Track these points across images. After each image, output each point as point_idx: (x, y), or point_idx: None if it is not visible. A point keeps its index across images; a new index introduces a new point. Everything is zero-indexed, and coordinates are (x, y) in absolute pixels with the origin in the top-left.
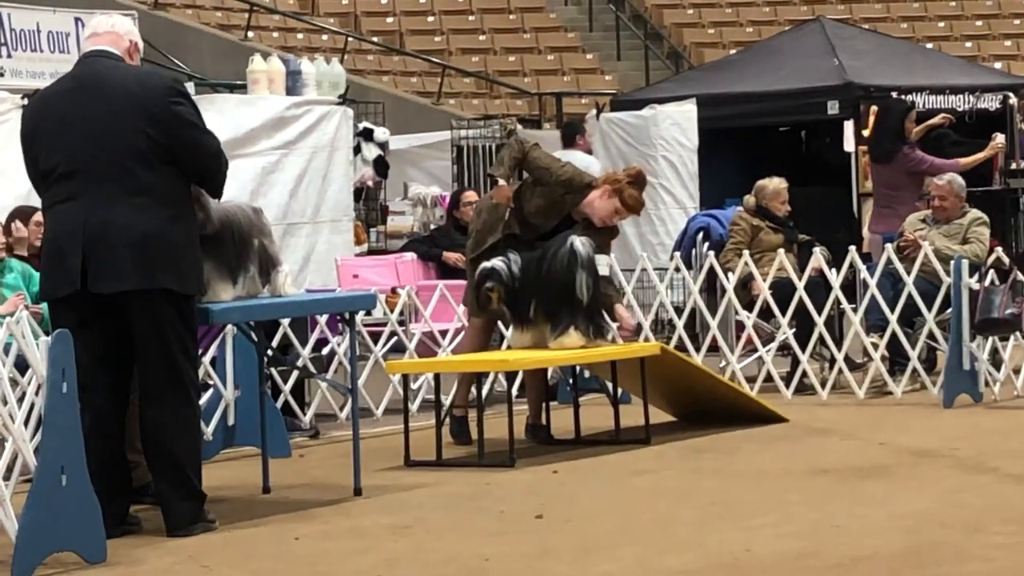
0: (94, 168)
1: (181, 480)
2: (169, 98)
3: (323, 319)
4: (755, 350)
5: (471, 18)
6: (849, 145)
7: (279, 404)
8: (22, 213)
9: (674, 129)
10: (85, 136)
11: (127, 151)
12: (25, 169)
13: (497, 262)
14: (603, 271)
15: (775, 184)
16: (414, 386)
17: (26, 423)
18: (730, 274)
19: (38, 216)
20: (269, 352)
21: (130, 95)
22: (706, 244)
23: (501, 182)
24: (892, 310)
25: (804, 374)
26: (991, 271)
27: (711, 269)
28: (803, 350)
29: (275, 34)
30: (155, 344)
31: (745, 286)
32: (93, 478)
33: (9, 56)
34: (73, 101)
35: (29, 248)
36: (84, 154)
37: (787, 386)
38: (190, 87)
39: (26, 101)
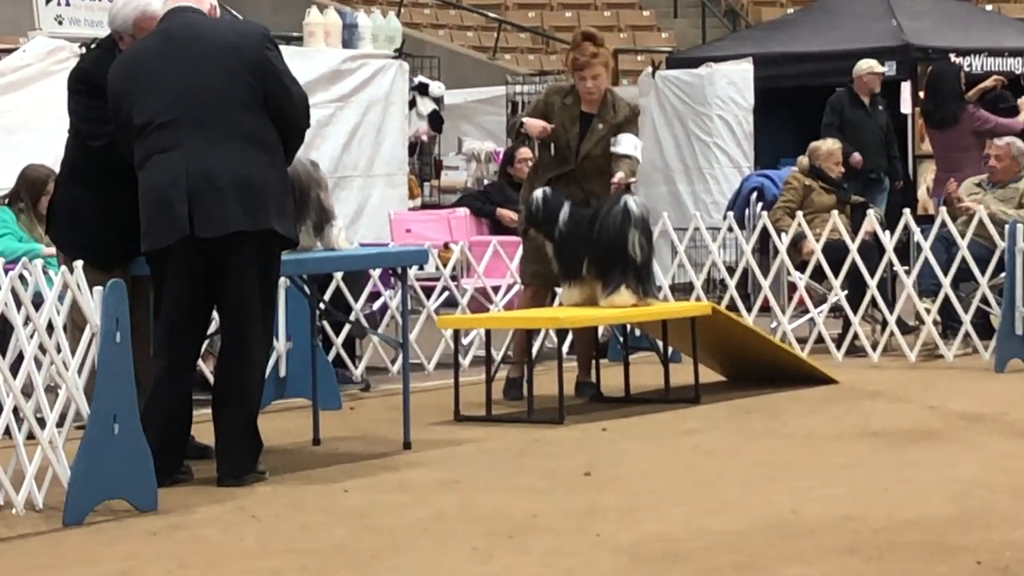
0: (194, 115)
1: (248, 427)
2: (264, 44)
3: (376, 273)
4: (806, 311)
5: None
6: (906, 107)
7: (330, 357)
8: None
9: (730, 88)
10: (183, 85)
11: (227, 97)
12: (113, 125)
13: (539, 192)
14: (625, 150)
15: (828, 145)
16: (465, 341)
17: (79, 371)
18: (783, 235)
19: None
20: (321, 305)
21: (227, 42)
22: (760, 204)
23: (525, 119)
24: (946, 274)
25: (855, 336)
26: None
27: (764, 229)
28: (855, 312)
29: None
30: (253, 287)
31: (795, 245)
32: (158, 425)
33: (68, 4)
34: (166, 53)
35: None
36: (183, 103)
37: (838, 348)
38: None
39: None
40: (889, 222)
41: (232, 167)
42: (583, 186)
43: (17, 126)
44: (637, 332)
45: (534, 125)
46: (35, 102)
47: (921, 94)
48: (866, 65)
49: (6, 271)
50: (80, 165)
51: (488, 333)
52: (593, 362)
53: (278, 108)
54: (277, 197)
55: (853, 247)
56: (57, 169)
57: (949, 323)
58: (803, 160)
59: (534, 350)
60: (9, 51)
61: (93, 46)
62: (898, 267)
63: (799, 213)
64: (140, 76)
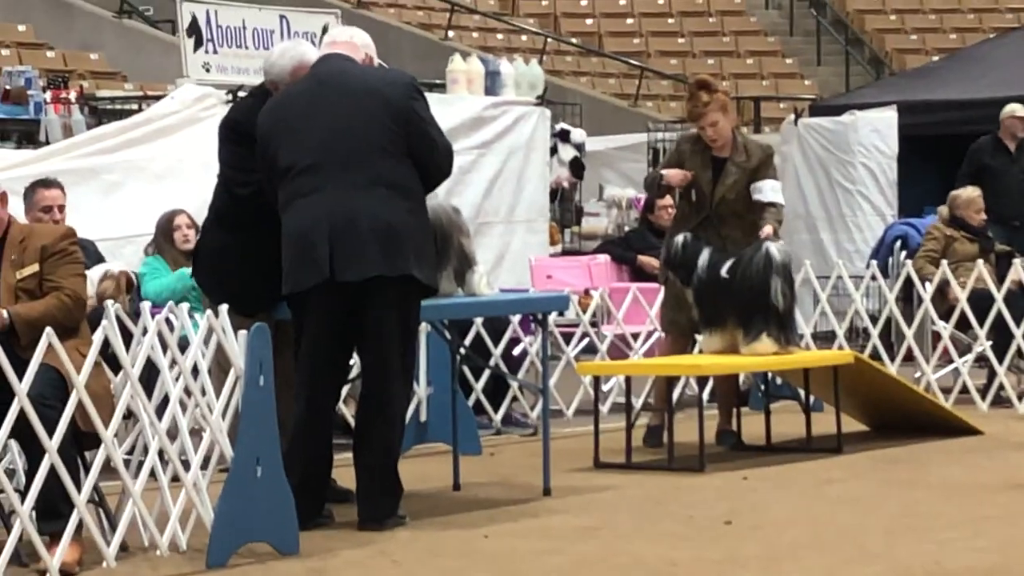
0: (337, 160)
1: (388, 472)
2: (410, 93)
3: (516, 319)
4: (951, 361)
5: (670, 20)
6: None
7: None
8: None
9: (874, 136)
10: (328, 129)
11: (370, 143)
12: (259, 168)
13: (679, 237)
14: (768, 197)
15: (968, 193)
16: (605, 388)
17: (223, 414)
18: (927, 283)
19: (176, 220)
20: (462, 350)
21: (373, 89)
22: (903, 253)
23: (664, 171)
24: None
25: (1001, 387)
26: None
27: (908, 278)
28: (1000, 362)
29: (475, 34)
30: (393, 332)
31: (940, 293)
32: (299, 468)
33: (215, 52)
34: (314, 98)
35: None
36: (327, 147)
37: (983, 398)
38: None
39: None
40: None
41: (373, 212)
42: (720, 231)
43: (165, 172)
44: (779, 380)
45: (674, 175)
46: (183, 148)
47: None
48: (1010, 109)
49: (152, 315)
50: (227, 211)
51: (628, 380)
52: (734, 410)
53: (422, 156)
54: (417, 243)
55: (999, 296)
56: (202, 214)
57: None
58: (943, 210)
59: (675, 397)
60: (158, 98)
61: (245, 95)
62: None
63: (944, 262)
64: (288, 119)
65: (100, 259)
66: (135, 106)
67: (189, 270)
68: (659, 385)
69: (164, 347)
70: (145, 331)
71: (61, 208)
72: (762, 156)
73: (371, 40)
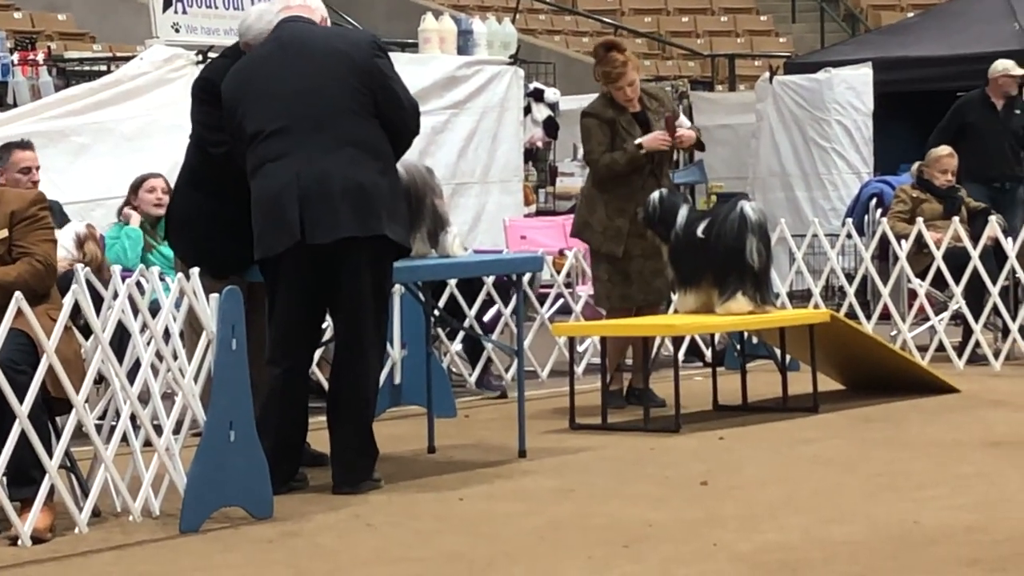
0: (304, 123)
1: (364, 434)
2: (374, 52)
3: (490, 280)
4: (927, 319)
5: None
6: None
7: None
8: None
9: (849, 93)
10: (294, 92)
11: (337, 105)
12: (229, 134)
13: (655, 193)
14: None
15: (935, 152)
16: (580, 349)
17: (196, 378)
18: (903, 241)
19: (151, 183)
20: (436, 312)
21: (336, 50)
22: (879, 211)
23: (644, 141)
24: None
25: (977, 344)
26: None
27: (883, 236)
28: (976, 320)
29: None
30: (366, 293)
31: (917, 250)
32: (273, 432)
33: (184, 12)
34: (277, 61)
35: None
36: (293, 110)
37: (959, 356)
38: None
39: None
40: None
41: (343, 173)
42: (660, 180)
43: (135, 133)
44: (754, 340)
45: (655, 138)
46: (153, 110)
47: None
48: (1002, 67)
49: (123, 279)
50: (199, 172)
51: (603, 341)
52: (649, 368)
53: (389, 115)
54: (389, 203)
55: (975, 254)
56: (173, 176)
57: None
58: (914, 169)
59: (651, 358)
60: (127, 59)
61: (218, 55)
62: (1021, 273)
63: (919, 220)
64: (252, 84)
65: (64, 218)
66: (104, 67)
67: (131, 227)
68: (612, 348)
69: (135, 311)
70: (116, 295)
71: (38, 168)
72: (665, 96)
73: (322, 3)
